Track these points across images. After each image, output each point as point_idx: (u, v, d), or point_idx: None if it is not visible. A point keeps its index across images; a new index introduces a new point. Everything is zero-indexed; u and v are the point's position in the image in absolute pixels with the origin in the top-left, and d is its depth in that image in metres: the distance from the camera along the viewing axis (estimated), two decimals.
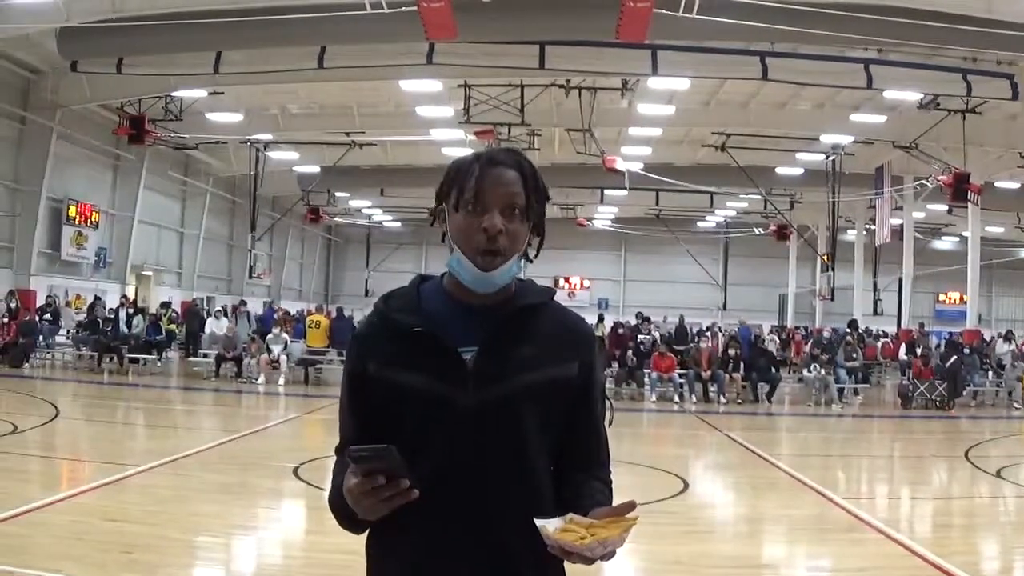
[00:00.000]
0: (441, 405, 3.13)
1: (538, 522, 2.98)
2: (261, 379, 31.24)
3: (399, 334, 3.20)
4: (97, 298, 38.93)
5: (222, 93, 37.94)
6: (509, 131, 38.87)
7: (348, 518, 3.11)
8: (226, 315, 37.42)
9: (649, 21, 25.21)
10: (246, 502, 12.48)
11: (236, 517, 11.50)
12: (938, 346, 36.84)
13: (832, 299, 52.73)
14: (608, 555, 2.98)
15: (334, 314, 38.54)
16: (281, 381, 31.45)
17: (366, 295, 72.33)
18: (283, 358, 32.12)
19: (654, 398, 30.64)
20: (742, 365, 32.06)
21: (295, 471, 14.66)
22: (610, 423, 3.69)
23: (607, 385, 31.48)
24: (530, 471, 3.22)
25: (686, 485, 15.07)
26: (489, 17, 26.42)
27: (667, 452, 20.47)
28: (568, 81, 36.26)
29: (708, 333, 39.46)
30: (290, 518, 12.41)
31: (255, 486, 13.78)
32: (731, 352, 32.51)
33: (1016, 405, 31.53)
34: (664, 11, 24.56)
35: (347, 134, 44.72)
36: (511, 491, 3.12)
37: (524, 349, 3.24)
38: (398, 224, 73.49)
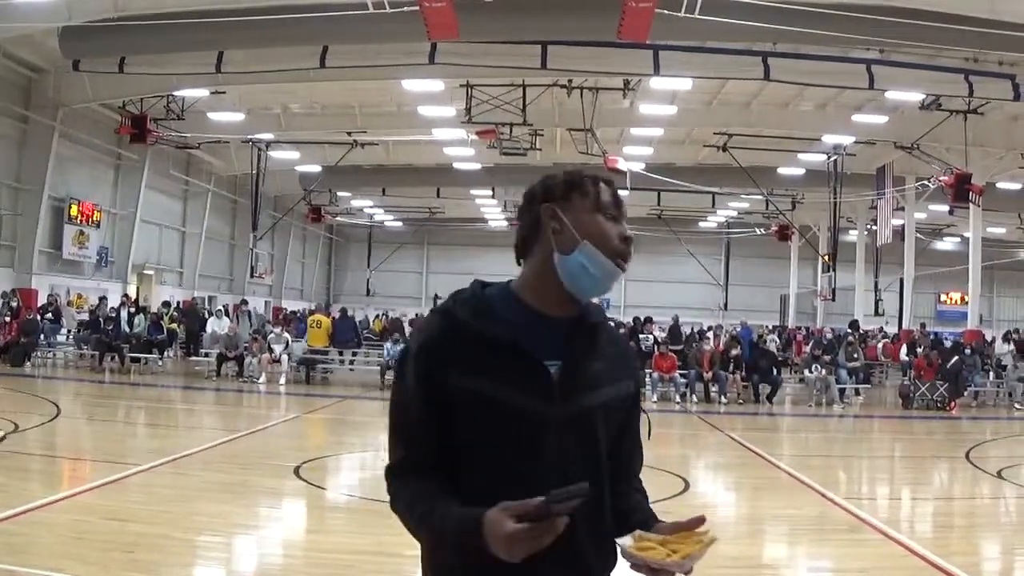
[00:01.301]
0: (526, 418, 3.12)
1: (619, 540, 3.09)
2: (263, 379, 31.25)
3: (481, 343, 3.16)
4: (102, 298, 38.98)
5: (224, 92, 37.97)
6: (511, 131, 38.90)
7: (456, 548, 3.05)
8: (227, 314, 37.43)
9: (651, 21, 25.20)
10: (247, 501, 12.49)
11: (238, 517, 11.51)
12: (941, 344, 36.73)
13: (833, 299, 52.80)
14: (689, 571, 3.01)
15: (337, 314, 38.58)
16: (282, 381, 31.46)
17: (368, 295, 72.42)
18: (284, 357, 32.15)
19: (655, 398, 30.62)
20: (743, 366, 32.09)
21: (296, 470, 14.67)
22: (648, 435, 3.70)
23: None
24: (602, 484, 3.25)
25: (687, 485, 15.07)
26: (491, 17, 26.43)
27: (668, 452, 20.43)
28: (570, 81, 36.25)
29: (710, 334, 39.41)
30: (291, 518, 12.40)
31: (256, 485, 13.77)
32: (732, 352, 32.52)
33: (1017, 406, 31.50)
34: (666, 11, 24.57)
35: (349, 134, 44.70)
36: (590, 504, 3.01)
37: (598, 365, 3.28)
38: (400, 224, 73.48)
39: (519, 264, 3.45)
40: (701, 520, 3.15)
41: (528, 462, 3.11)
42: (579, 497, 2.82)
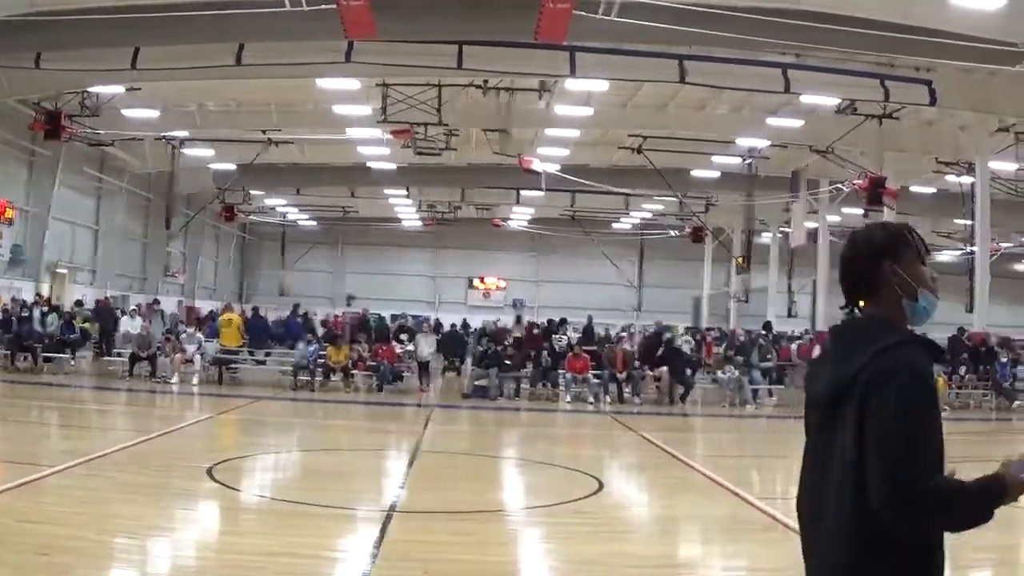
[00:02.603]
0: None
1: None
2: (175, 379, 30.99)
3: None
4: (14, 298, 38.45)
5: (139, 89, 37.48)
6: (426, 131, 38.76)
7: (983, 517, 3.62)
8: (140, 314, 37.09)
9: (568, 22, 25.22)
10: (161, 503, 12.34)
11: (152, 518, 11.36)
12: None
13: (747, 301, 53.22)
14: None
15: (249, 313, 38.37)
16: (195, 381, 31.23)
17: (281, 294, 71.74)
18: (197, 357, 31.93)
19: (569, 398, 30.67)
20: (666, 364, 32.27)
21: (210, 472, 14.54)
22: None
23: (524, 386, 31.63)
24: None
25: (601, 485, 15.09)
26: (408, 16, 26.39)
27: (582, 452, 20.53)
28: (486, 81, 36.22)
29: (624, 334, 39.53)
30: (205, 519, 12.28)
31: (170, 487, 13.64)
32: (657, 352, 32.71)
33: None
34: (583, 12, 24.60)
35: (264, 132, 44.31)
36: None
37: None
38: (313, 223, 72.89)
39: None
40: None
41: None
42: None
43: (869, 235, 4.06)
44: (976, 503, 3.60)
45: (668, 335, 37.38)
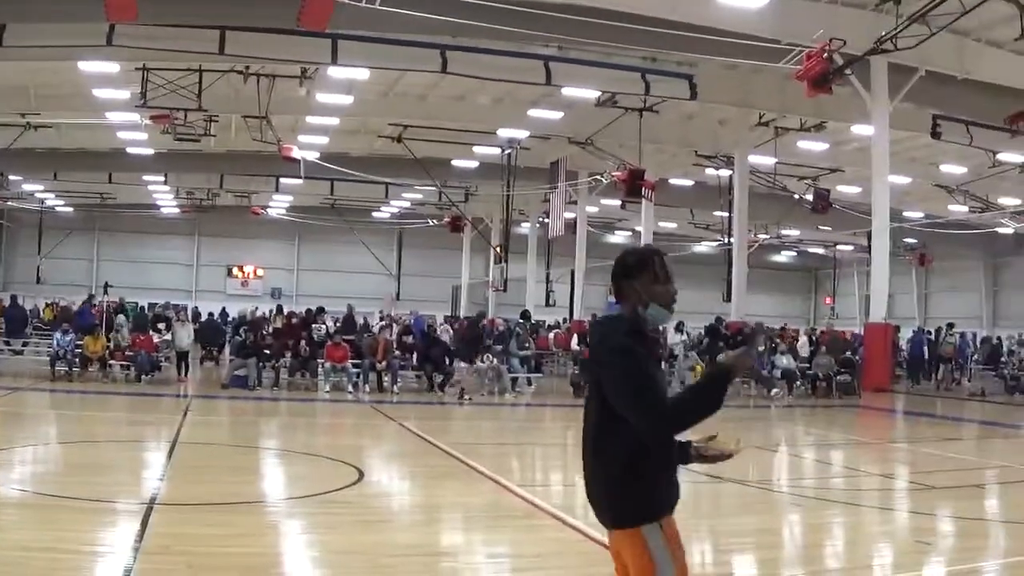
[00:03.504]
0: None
1: (695, 443, 5.68)
2: None
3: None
4: None
5: None
6: (186, 116, 38.16)
7: (720, 397, 5.23)
8: None
9: (331, 10, 25.18)
10: None
11: None
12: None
13: (505, 290, 53.63)
14: None
15: (7, 302, 37.42)
16: None
17: (38, 282, 69.80)
18: None
19: (327, 388, 30.55)
20: (414, 355, 32.37)
21: None
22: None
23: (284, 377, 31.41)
24: None
25: (361, 474, 15.04)
26: (171, 0, 26.04)
27: (342, 442, 20.45)
28: (247, 67, 35.88)
29: (383, 323, 39.51)
30: None
31: None
32: (407, 340, 32.78)
33: None
34: (346, 1, 24.57)
35: (23, 115, 43.09)
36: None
37: None
38: (70, 209, 71.03)
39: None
40: (715, 435, 5.69)
41: None
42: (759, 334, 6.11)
43: (624, 257, 5.64)
44: (707, 393, 5.23)
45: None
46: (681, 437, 5.37)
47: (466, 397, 29.51)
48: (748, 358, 5.42)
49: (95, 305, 37.69)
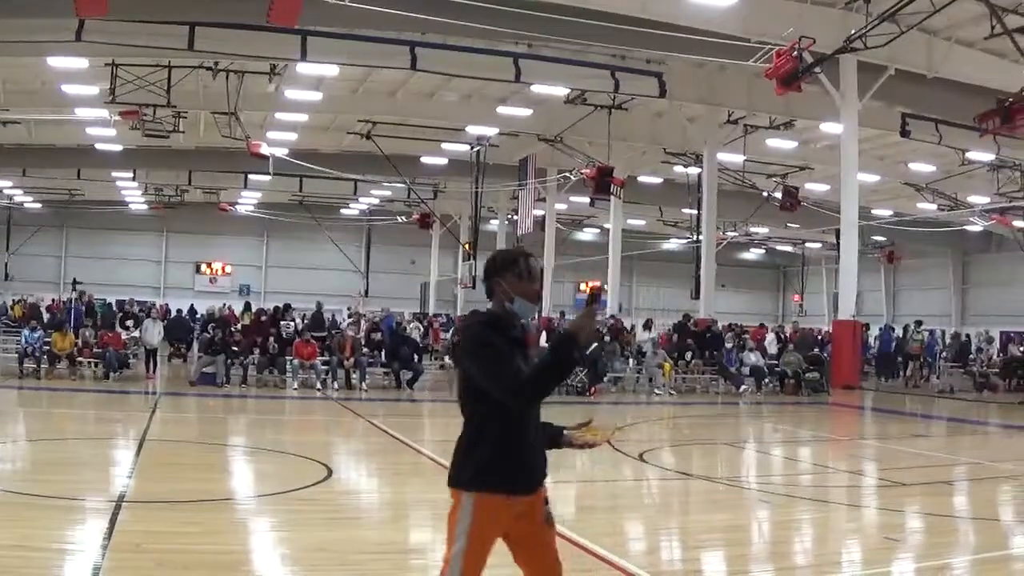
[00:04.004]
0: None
1: (566, 432, 6.19)
2: None
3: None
4: None
5: None
6: (155, 112, 38.07)
7: (570, 363, 5.57)
8: None
9: (301, 6, 25.12)
10: None
11: None
12: None
13: (474, 287, 53.55)
14: None
15: None
16: None
17: (6, 279, 69.49)
18: None
19: (296, 385, 30.46)
20: (383, 352, 32.34)
21: None
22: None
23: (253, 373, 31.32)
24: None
25: (330, 472, 14.99)
26: None
27: (310, 439, 20.41)
28: (216, 63, 35.79)
29: (351, 320, 39.45)
30: None
31: None
32: (375, 337, 32.72)
33: (657, 391, 32.56)
34: None
35: None
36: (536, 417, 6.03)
37: None
38: (39, 206, 70.71)
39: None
40: (590, 420, 6.22)
41: None
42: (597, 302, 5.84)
43: (493, 258, 6.12)
44: (554, 360, 5.50)
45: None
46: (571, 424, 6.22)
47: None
48: (589, 319, 5.63)
49: (86, 301, 37.57)
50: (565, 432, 6.13)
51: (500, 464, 5.68)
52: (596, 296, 5.88)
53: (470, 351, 5.82)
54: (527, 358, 5.80)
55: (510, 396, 5.56)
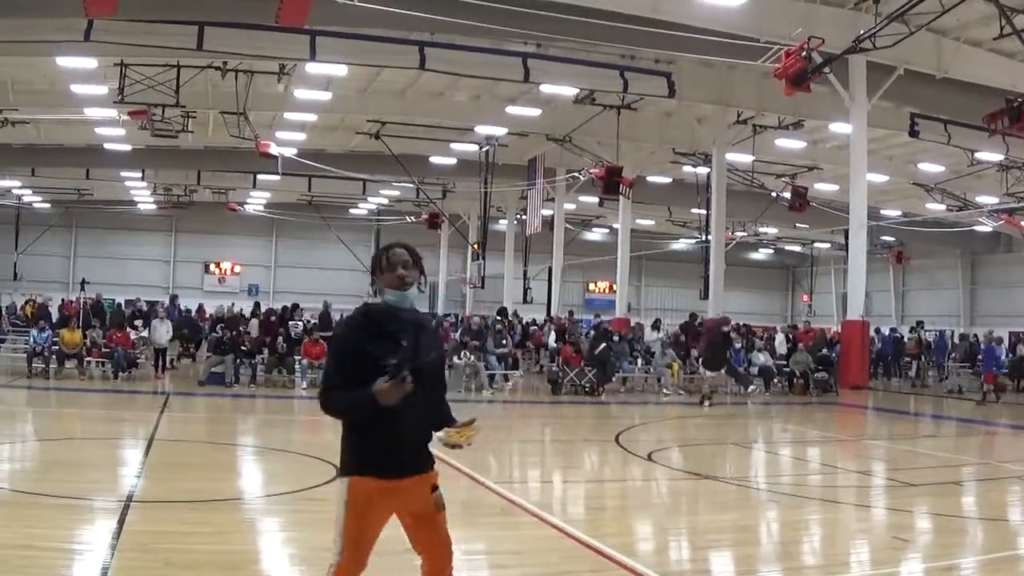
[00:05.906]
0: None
1: (436, 434, 6.47)
2: None
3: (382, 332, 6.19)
4: None
5: None
6: (163, 112, 38.04)
7: (365, 412, 5.89)
8: None
9: (309, 5, 25.12)
10: None
11: None
12: (587, 333, 37.64)
13: (483, 287, 53.65)
14: None
15: None
16: None
17: (15, 279, 69.40)
18: None
19: (305, 384, 30.44)
20: None
21: None
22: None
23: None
24: (431, 400, 6.47)
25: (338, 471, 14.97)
26: None
27: (319, 439, 20.33)
28: (225, 63, 35.79)
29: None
30: None
31: None
32: None
33: (665, 391, 32.54)
34: None
35: (0, 111, 42.90)
36: (423, 405, 6.24)
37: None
38: (48, 206, 70.70)
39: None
40: (473, 420, 6.57)
41: None
42: (404, 370, 5.78)
43: (374, 256, 6.49)
44: (355, 404, 5.91)
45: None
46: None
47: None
48: (397, 392, 5.81)
49: (97, 301, 37.58)
50: (445, 429, 6.55)
51: (368, 450, 6.11)
52: (398, 375, 5.86)
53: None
54: (399, 352, 5.95)
55: (319, 394, 6.19)
